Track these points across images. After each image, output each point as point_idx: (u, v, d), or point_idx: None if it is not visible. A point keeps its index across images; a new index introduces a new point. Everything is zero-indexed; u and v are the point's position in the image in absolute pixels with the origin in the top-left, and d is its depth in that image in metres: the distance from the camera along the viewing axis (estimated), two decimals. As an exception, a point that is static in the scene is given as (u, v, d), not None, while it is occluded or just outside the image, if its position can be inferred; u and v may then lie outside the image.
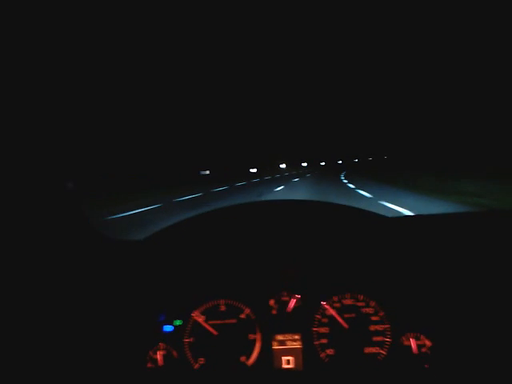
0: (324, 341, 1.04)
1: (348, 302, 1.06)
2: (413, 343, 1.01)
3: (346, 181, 20.66)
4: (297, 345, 1.04)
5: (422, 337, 1.02)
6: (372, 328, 1.04)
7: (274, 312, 1.07)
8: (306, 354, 1.03)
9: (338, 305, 1.06)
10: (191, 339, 1.05)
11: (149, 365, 1.03)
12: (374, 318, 1.05)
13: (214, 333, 1.05)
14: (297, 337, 1.05)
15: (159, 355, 1.03)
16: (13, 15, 0.91)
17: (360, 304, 1.06)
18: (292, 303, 1.07)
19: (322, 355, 1.03)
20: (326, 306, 1.06)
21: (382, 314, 1.04)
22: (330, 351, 1.03)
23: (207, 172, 46.97)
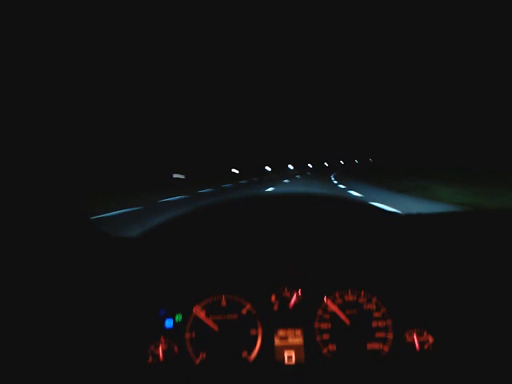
0: (326, 336, 1.02)
1: (350, 297, 1.05)
2: (415, 339, 1.01)
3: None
4: (298, 340, 1.03)
5: (424, 333, 1.01)
6: (374, 324, 1.03)
7: (276, 307, 1.05)
8: (308, 350, 1.02)
9: (339, 300, 1.05)
10: (192, 334, 1.03)
11: (150, 360, 1.01)
12: (376, 314, 1.04)
13: (215, 328, 1.03)
14: (298, 332, 1.03)
15: (160, 350, 1.02)
16: (13, 15, 0.91)
17: (362, 300, 1.05)
18: (294, 298, 1.05)
19: (324, 351, 1.01)
20: (328, 302, 1.05)
21: (384, 309, 1.03)
22: (331, 347, 1.02)
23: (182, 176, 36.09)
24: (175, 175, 33.17)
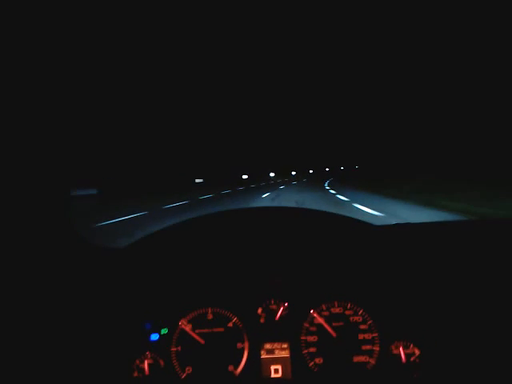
0: (312, 349, 1.02)
1: (336, 310, 1.05)
2: (402, 352, 1.00)
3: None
4: (285, 354, 1.02)
5: (410, 345, 1.00)
6: (361, 337, 1.02)
7: (262, 320, 1.04)
8: (295, 363, 1.01)
9: (326, 313, 1.04)
10: (178, 348, 1.02)
11: (135, 374, 1.00)
12: (362, 327, 1.03)
13: (201, 341, 1.02)
14: (285, 345, 1.02)
15: (146, 364, 1.00)
16: (13, 15, 0.91)
17: (348, 312, 1.04)
18: (280, 311, 1.05)
19: (311, 364, 1.00)
20: (315, 315, 1.04)
21: (370, 322, 1.03)
22: (318, 360, 1.01)
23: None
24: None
